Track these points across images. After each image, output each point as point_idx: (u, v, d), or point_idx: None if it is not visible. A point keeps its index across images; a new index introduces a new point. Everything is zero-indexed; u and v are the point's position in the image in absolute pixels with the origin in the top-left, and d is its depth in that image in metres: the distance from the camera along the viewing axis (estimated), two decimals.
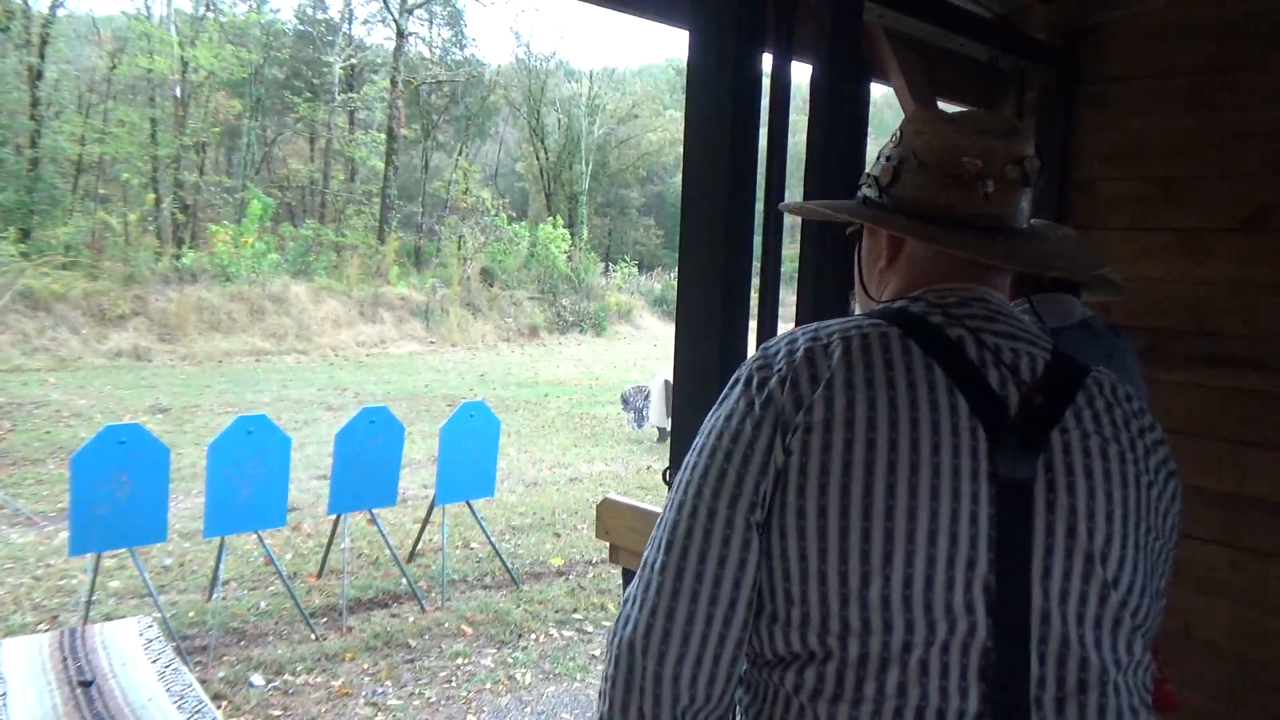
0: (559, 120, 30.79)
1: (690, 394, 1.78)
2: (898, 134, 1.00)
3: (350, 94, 24.15)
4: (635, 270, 27.02)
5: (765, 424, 0.87)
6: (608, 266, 26.72)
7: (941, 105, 2.77)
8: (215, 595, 4.73)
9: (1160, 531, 0.91)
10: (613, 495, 2.64)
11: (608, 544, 2.69)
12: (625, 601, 0.92)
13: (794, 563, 0.85)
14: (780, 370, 0.89)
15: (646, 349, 19.64)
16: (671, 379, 1.81)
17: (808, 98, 1.77)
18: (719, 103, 1.70)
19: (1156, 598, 0.91)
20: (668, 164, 34.74)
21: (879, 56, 2.49)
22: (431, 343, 18.28)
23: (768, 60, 1.82)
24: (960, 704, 0.81)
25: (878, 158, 1.03)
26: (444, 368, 15.63)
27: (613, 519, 2.60)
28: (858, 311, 1.06)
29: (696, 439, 0.93)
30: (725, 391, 0.94)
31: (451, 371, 15.24)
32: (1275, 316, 2.39)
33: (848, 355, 0.87)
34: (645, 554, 0.92)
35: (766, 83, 1.78)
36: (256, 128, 23.94)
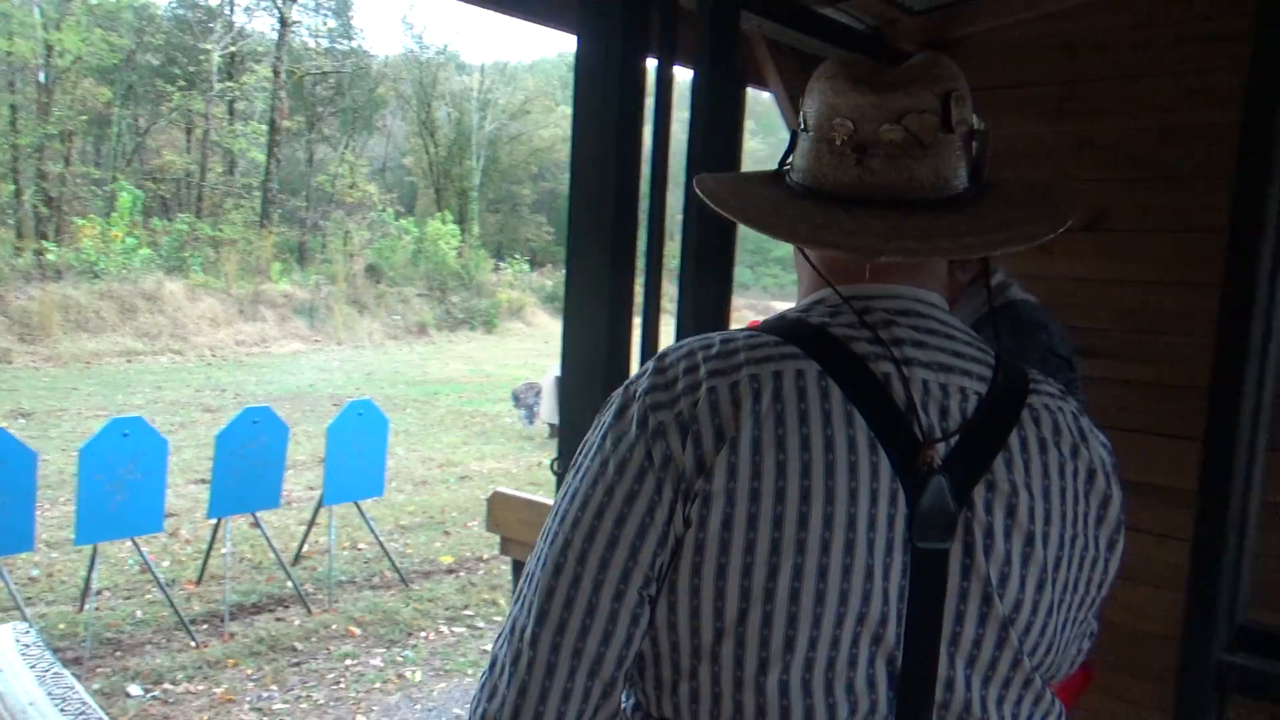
0: (449, 115, 30.34)
1: (577, 389, 1.84)
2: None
3: (230, 83, 23.16)
4: (527, 267, 26.91)
5: (666, 487, 0.75)
6: (499, 263, 26.50)
7: None
8: (88, 605, 4.52)
9: (1090, 583, 0.84)
10: (503, 489, 2.68)
11: (499, 537, 2.73)
12: (491, 666, 0.80)
13: (685, 639, 0.76)
14: (680, 415, 0.76)
15: (538, 346, 19.59)
16: (561, 387, 1.87)
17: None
18: (606, 104, 1.76)
19: (1076, 643, 0.86)
20: (560, 160, 34.64)
21: (760, 64, 2.60)
22: (316, 341, 17.77)
23: (653, 64, 1.89)
24: None
25: None
26: (329, 367, 15.23)
27: (504, 512, 2.64)
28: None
29: (575, 478, 0.80)
30: (609, 418, 0.80)
31: (337, 370, 14.87)
32: (1114, 308, 2.60)
33: (757, 407, 0.75)
34: (513, 614, 0.80)
35: (653, 86, 1.85)
36: (128, 117, 22.74)
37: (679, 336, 1.72)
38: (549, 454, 9.24)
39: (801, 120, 0.85)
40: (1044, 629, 0.79)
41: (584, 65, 1.81)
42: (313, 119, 25.42)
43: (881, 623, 0.75)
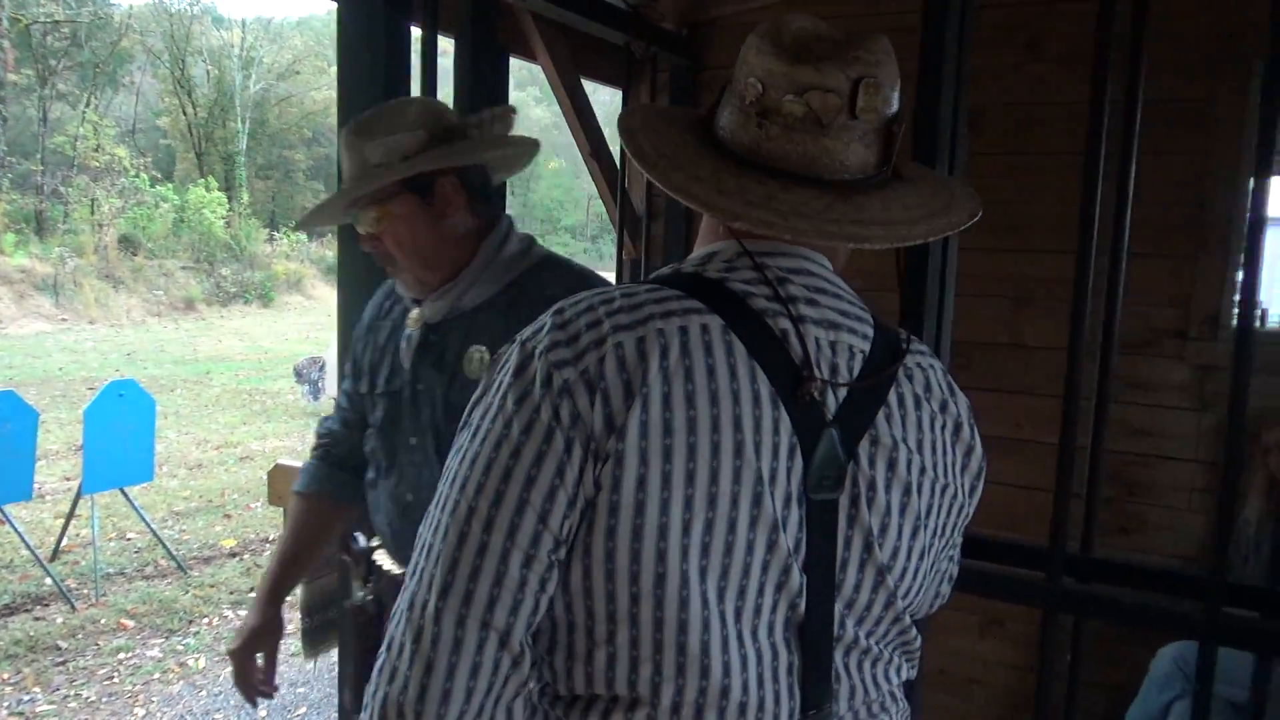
0: (208, 72, 28.09)
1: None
2: None
3: None
4: (304, 237, 25.57)
5: (576, 447, 0.73)
6: (273, 233, 25.03)
7: (586, 84, 3.04)
8: None
9: (954, 527, 0.90)
10: (285, 460, 2.65)
11: (283, 510, 2.69)
12: (388, 647, 0.75)
13: (600, 604, 0.75)
14: (586, 372, 0.74)
15: (320, 319, 18.76)
16: (337, 345, 1.89)
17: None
18: (371, 72, 1.79)
19: (936, 584, 0.92)
20: (335, 125, 33.00)
21: (528, 37, 2.69)
22: (64, 320, 16.14)
23: (418, 33, 1.93)
24: None
25: None
26: (81, 348, 13.90)
27: (285, 484, 2.61)
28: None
29: (473, 441, 0.76)
30: (507, 378, 0.77)
31: (91, 351, 13.60)
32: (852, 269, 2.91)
33: (664, 362, 0.74)
34: (410, 590, 0.75)
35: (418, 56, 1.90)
36: None
37: None
38: None
39: (734, 74, 0.84)
40: (915, 572, 0.85)
41: (346, 33, 1.83)
42: (45, 73, 22.77)
43: (784, 572, 0.77)
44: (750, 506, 0.75)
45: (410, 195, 1.36)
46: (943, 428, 0.87)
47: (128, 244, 19.65)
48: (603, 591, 0.74)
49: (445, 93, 1.93)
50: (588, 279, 1.41)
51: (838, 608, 0.81)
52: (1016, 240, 2.69)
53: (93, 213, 20.43)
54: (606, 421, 0.73)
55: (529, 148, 1.48)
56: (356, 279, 1.85)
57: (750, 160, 0.80)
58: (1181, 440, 2.56)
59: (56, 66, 23.25)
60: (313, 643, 2.62)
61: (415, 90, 1.85)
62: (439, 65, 1.93)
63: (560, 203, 36.65)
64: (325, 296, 22.16)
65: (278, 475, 2.61)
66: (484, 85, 1.72)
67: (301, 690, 3.85)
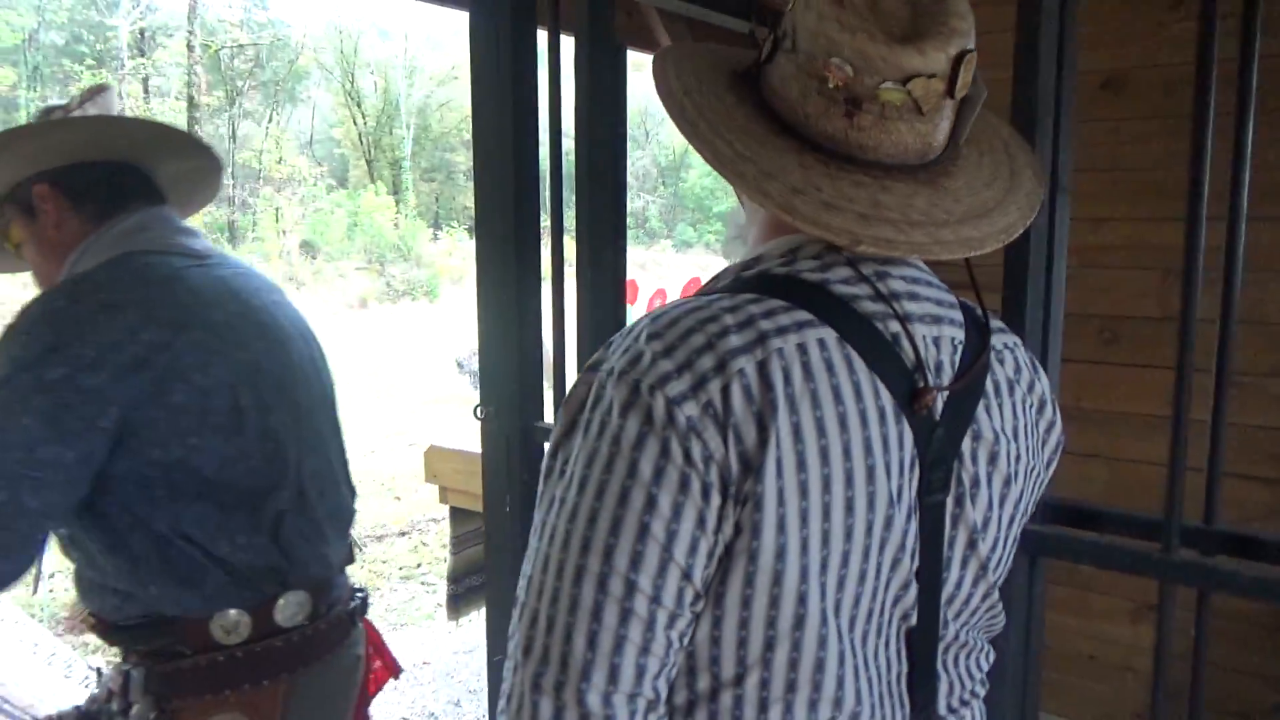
0: (375, 84, 29.82)
1: (494, 349, 2.00)
2: None
3: (141, 59, 22.51)
4: (465, 235, 26.75)
5: (714, 492, 0.66)
6: (437, 233, 26.32)
7: None
8: None
9: (1033, 502, 0.87)
10: (438, 442, 2.86)
11: (438, 486, 2.91)
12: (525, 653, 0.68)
13: (729, 650, 0.70)
14: (710, 406, 0.66)
15: None
16: (478, 338, 2.04)
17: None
18: (500, 78, 1.92)
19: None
20: None
21: (652, 31, 2.78)
22: None
23: (545, 37, 2.04)
24: None
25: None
26: None
27: (439, 464, 2.83)
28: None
29: (585, 498, 0.67)
30: (614, 418, 0.67)
31: None
32: None
33: (789, 388, 0.67)
34: (532, 670, 0.67)
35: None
36: (36, 99, 21.97)
37: (580, 299, 1.86)
38: None
39: (786, 31, 0.73)
40: (1008, 550, 0.84)
41: (476, 40, 1.96)
42: (233, 94, 24.83)
43: (903, 587, 0.75)
44: (882, 530, 0.71)
45: (19, 216, 1.29)
46: (1030, 407, 0.84)
47: (308, 248, 21.20)
48: (734, 638, 0.69)
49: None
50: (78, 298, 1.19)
51: (941, 608, 0.79)
52: (1166, 208, 2.55)
53: (277, 220, 22.13)
54: (742, 462, 0.66)
55: (148, 131, 1.34)
56: (495, 278, 1.97)
57: (836, 151, 0.72)
58: None
59: (242, 87, 25.30)
60: (456, 606, 2.83)
61: (543, 93, 1.95)
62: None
63: (711, 190, 36.67)
64: None
65: (433, 456, 2.82)
66: (601, 83, 1.81)
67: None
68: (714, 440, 0.66)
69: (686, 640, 0.69)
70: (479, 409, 2.09)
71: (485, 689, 3.88)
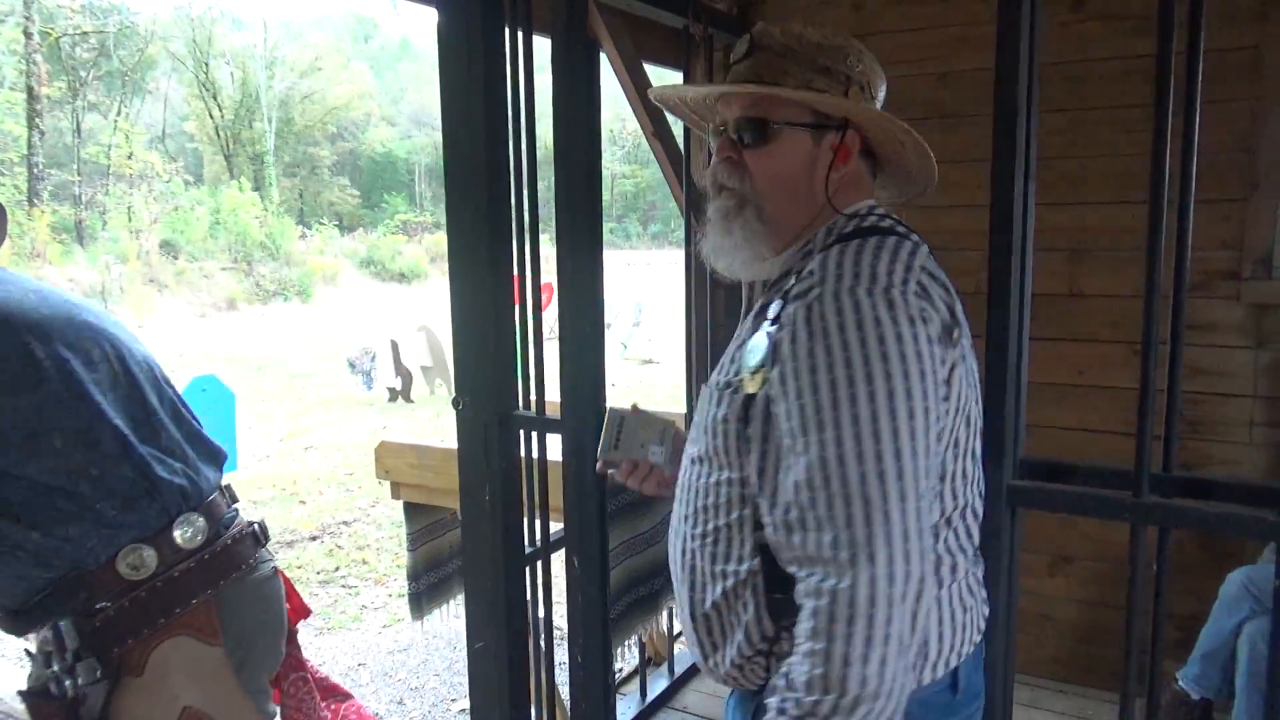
0: (232, 75, 28.47)
1: (469, 343, 2.02)
2: (851, 53, 1.18)
3: None
4: (337, 232, 25.95)
5: (954, 379, 1.01)
6: (305, 230, 25.40)
7: (647, 67, 3.18)
8: None
9: None
10: (388, 438, 2.84)
11: (389, 482, 2.88)
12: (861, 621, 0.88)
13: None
14: (941, 310, 0.99)
15: (360, 312, 19.08)
16: (452, 330, 2.05)
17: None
18: (470, 76, 1.94)
19: None
20: (358, 119, 33.25)
21: (593, 26, 2.83)
22: None
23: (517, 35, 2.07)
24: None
25: (827, 66, 1.15)
26: None
27: (392, 459, 2.81)
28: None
29: (890, 401, 0.92)
30: (888, 330, 0.93)
31: None
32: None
33: (947, 290, 1.03)
34: (885, 563, 0.89)
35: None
36: None
37: (561, 292, 1.91)
38: (391, 417, 9.24)
39: (865, 82, 1.18)
40: None
41: (445, 38, 1.98)
42: (76, 84, 23.24)
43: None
44: (979, 386, 1.13)
45: None
46: None
47: (168, 248, 20.09)
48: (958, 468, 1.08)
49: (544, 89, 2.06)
50: None
51: None
52: (1069, 194, 2.80)
53: (130, 220, 20.87)
54: (956, 344, 1.02)
55: None
56: (467, 270, 1.99)
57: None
58: (1239, 378, 2.68)
59: (86, 77, 23.71)
60: (419, 605, 2.82)
61: (509, 88, 1.98)
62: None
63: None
64: (363, 289, 22.50)
65: (385, 451, 2.79)
66: (579, 82, 1.86)
67: (400, 656, 4.08)
68: (958, 333, 1.03)
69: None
70: (460, 402, 2.11)
71: (426, 686, 3.87)
